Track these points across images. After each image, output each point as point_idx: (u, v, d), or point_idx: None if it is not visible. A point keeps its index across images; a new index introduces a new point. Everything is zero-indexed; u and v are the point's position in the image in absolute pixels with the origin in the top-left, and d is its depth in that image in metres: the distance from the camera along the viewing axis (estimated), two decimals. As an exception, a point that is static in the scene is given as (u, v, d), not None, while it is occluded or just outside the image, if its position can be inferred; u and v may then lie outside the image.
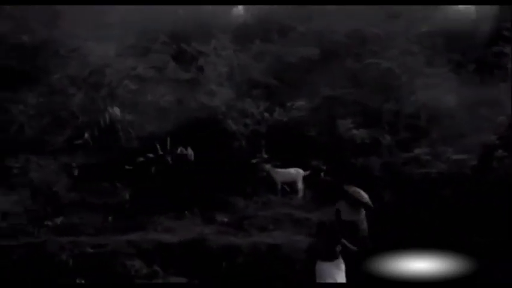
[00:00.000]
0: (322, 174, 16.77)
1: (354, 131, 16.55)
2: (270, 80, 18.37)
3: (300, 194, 16.49)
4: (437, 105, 17.43)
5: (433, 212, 14.93)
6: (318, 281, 10.97)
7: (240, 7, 21.91)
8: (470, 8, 20.26)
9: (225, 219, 15.12)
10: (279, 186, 16.65)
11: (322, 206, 15.75)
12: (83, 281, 11.97)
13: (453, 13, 20.26)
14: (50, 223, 14.79)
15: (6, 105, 18.18)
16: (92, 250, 13.78)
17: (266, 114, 16.90)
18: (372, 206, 11.45)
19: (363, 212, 11.68)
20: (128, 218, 14.94)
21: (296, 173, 16.58)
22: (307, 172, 16.51)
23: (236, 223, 14.98)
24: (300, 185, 16.53)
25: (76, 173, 16.40)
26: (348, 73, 18.05)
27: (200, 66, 19.39)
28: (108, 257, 13.65)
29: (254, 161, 16.41)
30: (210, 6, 21.17)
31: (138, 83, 18.71)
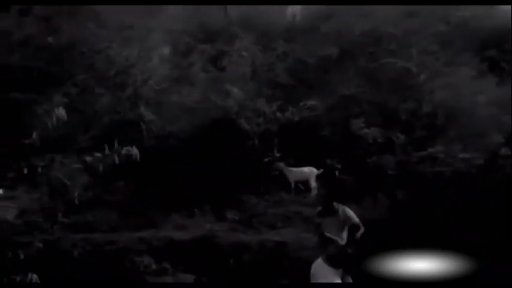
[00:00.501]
0: (336, 172, 16.80)
1: (366, 130, 16.54)
2: (288, 80, 18.44)
3: (314, 192, 16.60)
4: (455, 104, 17.28)
5: (446, 210, 14.85)
6: (311, 279, 10.94)
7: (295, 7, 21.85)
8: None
9: (236, 217, 15.30)
10: (293, 185, 16.80)
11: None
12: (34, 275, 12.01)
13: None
14: (65, 220, 15.13)
15: (32, 105, 18.58)
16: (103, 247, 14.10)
17: (278, 114, 16.98)
18: (362, 227, 11.35)
19: (346, 232, 11.53)
20: (141, 216, 15.18)
21: (309, 171, 16.73)
22: (320, 171, 16.61)
23: (246, 221, 15.17)
24: (313, 184, 16.66)
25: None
26: (365, 72, 18.05)
27: (223, 66, 19.56)
28: (119, 254, 13.96)
29: (266, 159, 16.51)
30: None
31: (163, 83, 18.91)
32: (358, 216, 14.37)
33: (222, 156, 16.74)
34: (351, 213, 11.38)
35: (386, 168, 16.35)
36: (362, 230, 11.22)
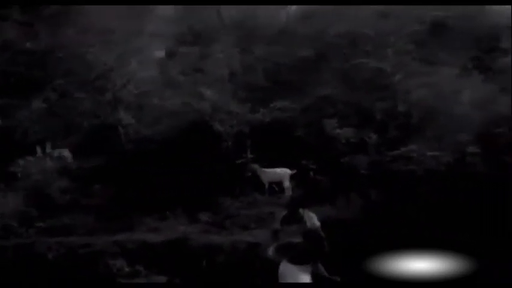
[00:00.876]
0: (311, 173, 16.95)
1: (338, 130, 16.70)
2: (264, 82, 18.61)
3: (288, 193, 16.73)
4: (428, 104, 17.45)
5: (418, 208, 15.00)
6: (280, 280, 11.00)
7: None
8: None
9: (209, 219, 15.45)
10: (267, 186, 16.94)
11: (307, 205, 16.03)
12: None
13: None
14: (42, 224, 15.29)
15: (12, 110, 18.75)
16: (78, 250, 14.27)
17: (251, 115, 17.12)
18: (324, 236, 11.38)
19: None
20: (117, 219, 15.33)
21: (283, 172, 16.85)
22: (294, 171, 16.74)
23: (219, 222, 15.32)
24: (287, 184, 16.78)
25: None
26: (341, 73, 18.19)
27: (202, 69, 19.69)
28: (93, 257, 14.12)
29: (239, 161, 16.65)
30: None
31: (141, 87, 19.04)
32: (332, 216, 14.67)
33: (198, 159, 16.88)
34: (315, 219, 11.50)
35: (359, 168, 16.44)
36: (322, 235, 11.28)
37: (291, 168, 16.90)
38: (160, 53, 21.04)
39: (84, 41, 20.06)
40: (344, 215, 15.48)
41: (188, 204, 15.76)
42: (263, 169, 17.01)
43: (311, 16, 20.11)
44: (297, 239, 10.59)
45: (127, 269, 14.01)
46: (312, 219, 11.62)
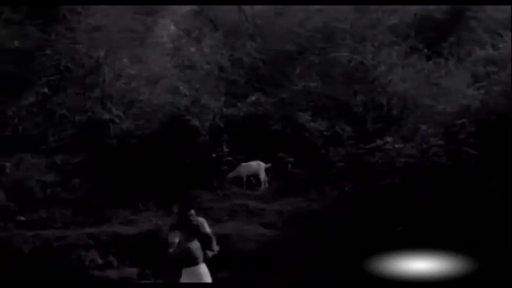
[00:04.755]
0: (289, 166, 17.19)
1: (312, 123, 16.88)
2: (242, 77, 18.87)
3: (263, 185, 17.01)
4: (407, 95, 17.55)
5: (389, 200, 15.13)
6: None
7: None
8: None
9: (185, 211, 15.72)
10: (245, 179, 17.18)
11: (281, 197, 16.36)
12: None
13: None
14: (22, 218, 15.72)
15: (1, 107, 19.17)
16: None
17: (229, 110, 17.38)
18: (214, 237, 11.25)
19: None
20: (92, 212, 15.70)
21: (257, 165, 17.12)
22: (269, 164, 17.00)
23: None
24: (262, 177, 17.06)
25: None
26: (318, 67, 18.37)
27: (188, 65, 19.95)
28: (67, 249, 14.51)
29: (214, 155, 16.91)
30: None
31: (130, 83, 19.35)
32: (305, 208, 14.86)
33: (178, 153, 17.18)
34: (206, 226, 11.29)
35: (335, 160, 16.61)
36: (214, 241, 11.15)
37: (267, 162, 17.14)
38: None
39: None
40: (318, 207, 15.74)
41: (163, 197, 16.04)
42: (241, 163, 17.28)
43: (288, 11, 20.24)
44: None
45: (99, 261, 14.34)
46: (203, 224, 11.41)
